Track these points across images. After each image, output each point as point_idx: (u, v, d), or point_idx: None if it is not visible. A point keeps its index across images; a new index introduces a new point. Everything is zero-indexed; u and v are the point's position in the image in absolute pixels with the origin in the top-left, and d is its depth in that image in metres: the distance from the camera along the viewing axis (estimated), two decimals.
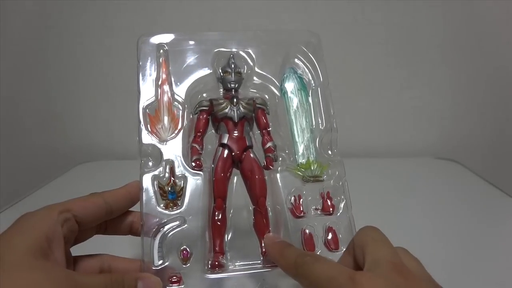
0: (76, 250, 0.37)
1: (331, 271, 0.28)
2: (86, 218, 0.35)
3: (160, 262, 0.37)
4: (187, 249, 0.38)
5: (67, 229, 0.33)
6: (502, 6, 0.86)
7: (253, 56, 0.45)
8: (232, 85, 0.43)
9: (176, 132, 0.42)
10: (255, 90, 0.45)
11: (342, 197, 0.42)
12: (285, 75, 0.46)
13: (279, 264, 0.35)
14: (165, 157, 0.41)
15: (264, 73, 0.45)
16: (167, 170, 0.40)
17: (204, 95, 0.44)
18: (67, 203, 0.35)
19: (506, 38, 0.89)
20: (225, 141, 0.42)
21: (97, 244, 0.39)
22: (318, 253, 0.40)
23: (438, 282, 0.30)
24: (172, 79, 0.43)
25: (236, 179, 0.43)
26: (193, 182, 0.41)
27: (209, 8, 0.87)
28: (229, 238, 0.41)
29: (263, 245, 0.40)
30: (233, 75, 0.43)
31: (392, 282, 0.27)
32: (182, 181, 0.40)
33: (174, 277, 0.37)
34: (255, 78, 0.45)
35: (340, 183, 0.43)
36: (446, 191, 0.75)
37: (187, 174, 0.41)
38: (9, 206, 0.69)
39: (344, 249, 0.37)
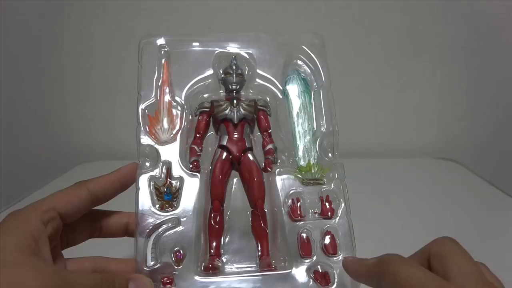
0: (71, 254, 0.37)
1: (421, 275, 0.28)
2: (71, 212, 0.35)
3: (153, 263, 0.37)
4: (181, 251, 0.38)
5: (52, 228, 0.33)
6: (502, 6, 0.86)
7: (255, 57, 0.45)
8: (234, 87, 0.43)
9: (174, 133, 0.42)
10: (256, 92, 0.45)
11: (342, 200, 0.41)
12: (288, 77, 0.45)
13: (359, 271, 0.34)
14: (162, 158, 0.41)
15: (266, 75, 0.45)
16: (164, 171, 0.40)
17: (205, 96, 0.44)
18: (51, 201, 0.34)
19: (506, 38, 0.89)
20: (224, 142, 0.42)
21: (92, 248, 0.39)
22: (314, 258, 0.39)
23: None
24: (173, 80, 0.43)
25: (235, 181, 0.42)
26: (190, 184, 0.40)
27: (209, 8, 0.87)
28: (225, 241, 0.41)
29: (339, 265, 0.38)
30: (234, 77, 0.43)
31: None
32: (178, 182, 0.40)
33: (166, 279, 0.37)
34: (257, 79, 0.45)
35: (340, 186, 0.42)
36: (446, 191, 0.75)
37: (184, 175, 0.41)
38: (9, 206, 0.68)
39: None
